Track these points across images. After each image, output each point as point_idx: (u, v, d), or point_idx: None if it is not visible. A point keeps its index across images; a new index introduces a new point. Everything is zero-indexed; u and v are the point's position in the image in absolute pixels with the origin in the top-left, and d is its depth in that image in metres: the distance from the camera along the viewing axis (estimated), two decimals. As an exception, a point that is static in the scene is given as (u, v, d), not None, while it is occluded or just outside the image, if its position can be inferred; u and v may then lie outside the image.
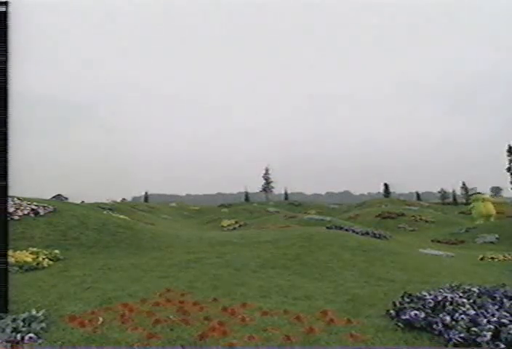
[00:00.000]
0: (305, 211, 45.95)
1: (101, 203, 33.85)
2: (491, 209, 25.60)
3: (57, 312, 4.07)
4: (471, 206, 27.35)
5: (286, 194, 74.43)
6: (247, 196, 70.02)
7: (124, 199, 64.46)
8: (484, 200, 26.25)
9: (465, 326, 3.40)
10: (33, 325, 3.45)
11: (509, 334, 3.20)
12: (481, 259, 11.87)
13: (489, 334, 3.21)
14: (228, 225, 27.65)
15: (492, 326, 3.31)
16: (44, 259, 7.00)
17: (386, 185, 65.92)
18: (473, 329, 3.32)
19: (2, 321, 3.43)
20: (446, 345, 3.30)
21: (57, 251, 7.71)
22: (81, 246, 8.73)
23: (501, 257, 11.76)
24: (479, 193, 34.35)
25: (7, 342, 3.12)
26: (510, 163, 49.53)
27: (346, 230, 15.90)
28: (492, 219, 24.77)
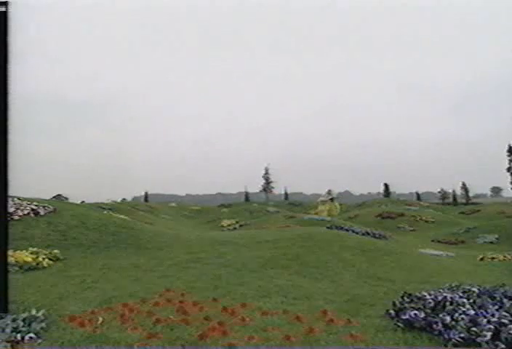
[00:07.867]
0: (305, 211, 45.94)
1: (101, 203, 33.84)
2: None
3: (57, 312, 4.07)
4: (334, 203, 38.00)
5: (286, 194, 74.24)
6: (247, 196, 69.85)
7: (124, 199, 64.44)
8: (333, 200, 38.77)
9: (465, 326, 3.40)
10: (33, 325, 3.45)
11: (509, 334, 3.20)
12: (481, 259, 11.87)
13: (489, 334, 3.20)
14: (228, 225, 27.69)
15: (491, 326, 3.30)
16: (44, 259, 7.00)
17: (386, 185, 65.79)
18: (473, 328, 3.32)
19: (2, 320, 3.43)
20: (446, 345, 3.30)
21: (57, 251, 7.71)
22: (81, 246, 8.73)
23: (501, 257, 11.76)
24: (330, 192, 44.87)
25: (7, 342, 3.12)
26: (510, 163, 49.66)
27: (346, 230, 15.90)
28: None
